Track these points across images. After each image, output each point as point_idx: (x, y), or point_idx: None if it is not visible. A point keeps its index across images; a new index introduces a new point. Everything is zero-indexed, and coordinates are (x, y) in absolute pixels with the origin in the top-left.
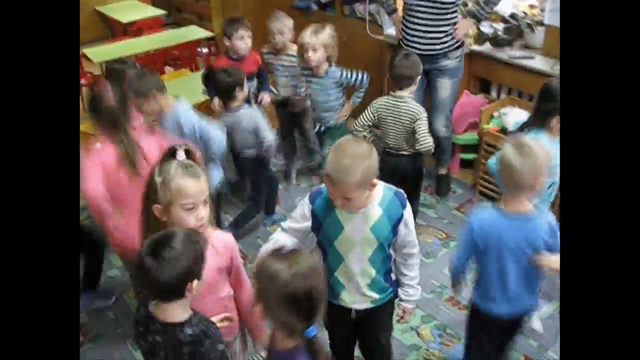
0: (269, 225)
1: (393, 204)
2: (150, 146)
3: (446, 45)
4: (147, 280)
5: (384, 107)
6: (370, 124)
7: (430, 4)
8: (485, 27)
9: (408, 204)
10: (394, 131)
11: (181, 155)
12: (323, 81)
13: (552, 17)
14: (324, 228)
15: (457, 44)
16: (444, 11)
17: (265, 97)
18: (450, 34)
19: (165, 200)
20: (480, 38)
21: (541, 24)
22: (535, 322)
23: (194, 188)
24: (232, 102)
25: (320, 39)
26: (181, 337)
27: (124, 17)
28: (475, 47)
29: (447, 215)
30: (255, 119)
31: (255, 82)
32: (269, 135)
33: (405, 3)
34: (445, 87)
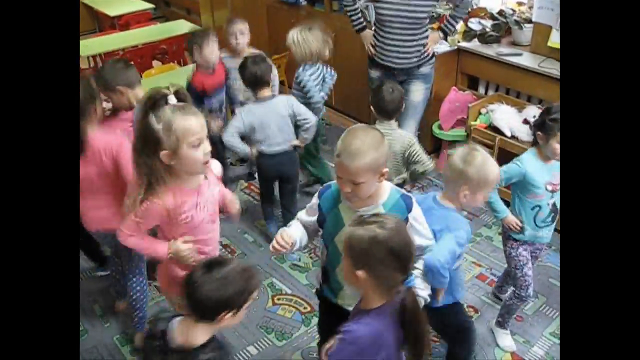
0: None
1: (397, 206)
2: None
3: (422, 57)
4: (188, 291)
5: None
6: None
7: (405, 20)
8: (474, 24)
9: (416, 207)
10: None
11: (172, 99)
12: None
13: (540, 15)
14: (327, 223)
15: (430, 56)
16: (419, 26)
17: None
18: (424, 47)
19: (171, 143)
20: (469, 35)
21: (529, 21)
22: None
23: (197, 124)
24: (262, 91)
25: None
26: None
27: (112, 11)
28: (464, 44)
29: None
30: (292, 102)
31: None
32: (311, 116)
33: (378, 20)
34: (418, 91)
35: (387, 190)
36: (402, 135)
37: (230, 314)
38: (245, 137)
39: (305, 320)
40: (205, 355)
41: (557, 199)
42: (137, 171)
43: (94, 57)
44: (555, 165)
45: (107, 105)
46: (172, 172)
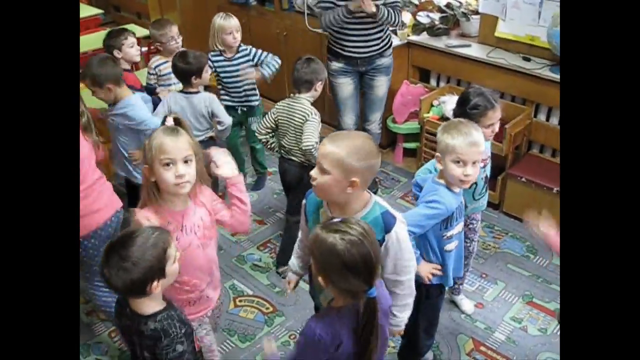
0: None
1: (375, 223)
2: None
3: (382, 44)
4: (108, 285)
5: (281, 109)
6: (271, 126)
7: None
8: (422, 17)
9: (398, 231)
10: (286, 132)
11: (169, 121)
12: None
13: (486, 6)
14: (309, 226)
15: (389, 42)
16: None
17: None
18: (385, 32)
19: (149, 158)
20: (418, 28)
21: (476, 12)
22: (465, 305)
23: (170, 145)
24: (189, 87)
25: (237, 22)
26: (143, 329)
27: None
28: (413, 37)
29: (392, 204)
30: (212, 102)
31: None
32: (227, 118)
33: None
34: (382, 85)
35: (368, 205)
36: (304, 108)
37: (156, 282)
38: None
39: (267, 321)
40: (152, 324)
41: (488, 170)
42: (144, 190)
43: None
44: None
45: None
46: (160, 191)
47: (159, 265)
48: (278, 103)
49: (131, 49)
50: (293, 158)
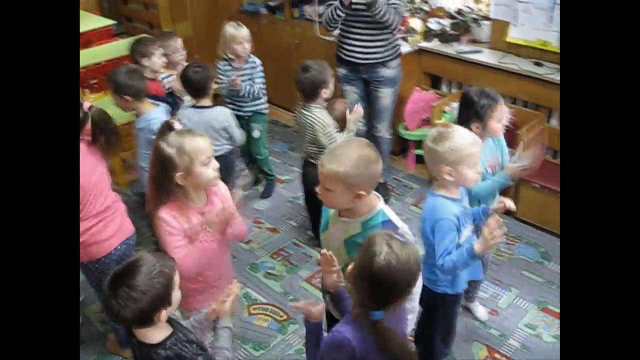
0: None
1: (374, 230)
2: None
3: (385, 54)
4: (111, 317)
5: (297, 117)
6: None
7: (367, 14)
8: (433, 24)
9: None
10: (304, 138)
11: (178, 125)
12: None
13: (497, 11)
14: (322, 220)
15: (396, 54)
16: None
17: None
18: (390, 43)
19: (185, 164)
20: (429, 35)
21: (487, 18)
22: (480, 311)
23: (205, 144)
24: (200, 100)
25: (248, 32)
26: (155, 357)
27: None
28: (424, 44)
29: (404, 211)
30: (228, 119)
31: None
32: (239, 137)
33: (345, 16)
34: (385, 96)
35: (373, 210)
36: (313, 120)
37: (163, 310)
38: None
39: (281, 329)
40: (163, 352)
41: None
42: (154, 193)
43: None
44: (488, 146)
45: None
46: (182, 191)
47: (166, 292)
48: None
49: (159, 60)
50: (312, 162)
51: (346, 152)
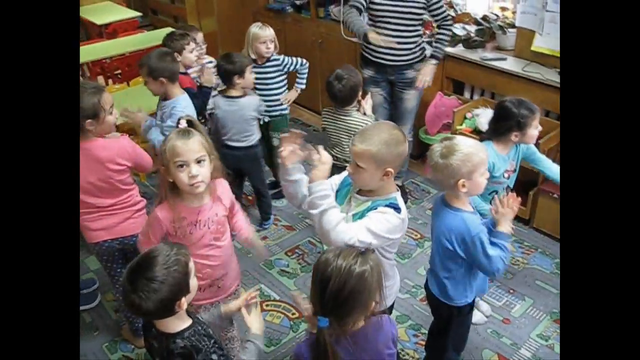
0: None
1: (379, 206)
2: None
3: (413, 56)
4: (133, 311)
5: (329, 120)
6: None
7: (400, 16)
8: (458, 29)
9: (386, 209)
10: (338, 143)
11: (182, 123)
12: (265, 69)
13: (523, 19)
14: (337, 196)
15: (422, 55)
16: (413, 22)
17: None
18: (418, 45)
19: (165, 160)
20: (453, 40)
21: (513, 25)
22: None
23: (182, 147)
24: (231, 89)
25: (272, 33)
26: (172, 347)
27: (100, 19)
28: (448, 49)
29: (421, 215)
30: (257, 106)
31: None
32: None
33: (373, 17)
34: (411, 98)
35: (389, 196)
36: (356, 123)
37: (183, 297)
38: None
39: (293, 326)
40: (180, 342)
41: (511, 181)
42: (160, 187)
43: (81, 65)
44: (510, 153)
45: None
46: (177, 189)
47: (184, 280)
48: (323, 114)
49: (190, 54)
50: (338, 164)
51: (377, 133)
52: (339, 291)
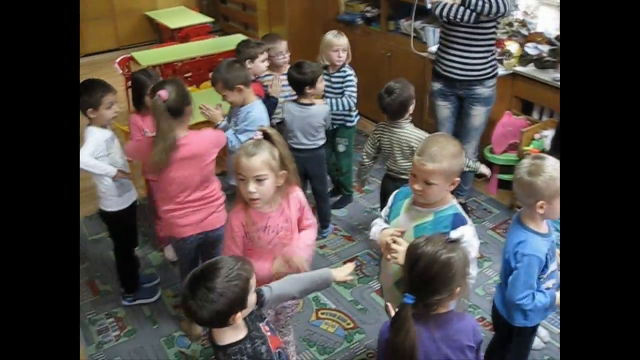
0: None
1: (444, 220)
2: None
3: (483, 72)
4: (189, 316)
5: (381, 133)
6: (375, 152)
7: (468, 30)
8: (530, 49)
9: (465, 229)
10: (390, 155)
11: (258, 135)
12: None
13: None
14: (391, 212)
15: (493, 72)
16: (482, 37)
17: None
18: (489, 61)
19: (235, 171)
20: (525, 59)
21: None
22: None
23: (244, 163)
24: (303, 97)
25: (346, 42)
26: (220, 358)
27: (173, 23)
28: (519, 68)
29: (482, 235)
30: (326, 116)
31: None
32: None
33: (443, 29)
34: (478, 114)
35: (447, 203)
36: (408, 137)
37: (239, 312)
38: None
39: (347, 337)
40: (222, 356)
41: None
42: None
43: (153, 67)
44: None
45: None
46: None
47: (242, 295)
48: (377, 126)
49: (262, 64)
50: (393, 175)
51: (442, 148)
52: (426, 270)
